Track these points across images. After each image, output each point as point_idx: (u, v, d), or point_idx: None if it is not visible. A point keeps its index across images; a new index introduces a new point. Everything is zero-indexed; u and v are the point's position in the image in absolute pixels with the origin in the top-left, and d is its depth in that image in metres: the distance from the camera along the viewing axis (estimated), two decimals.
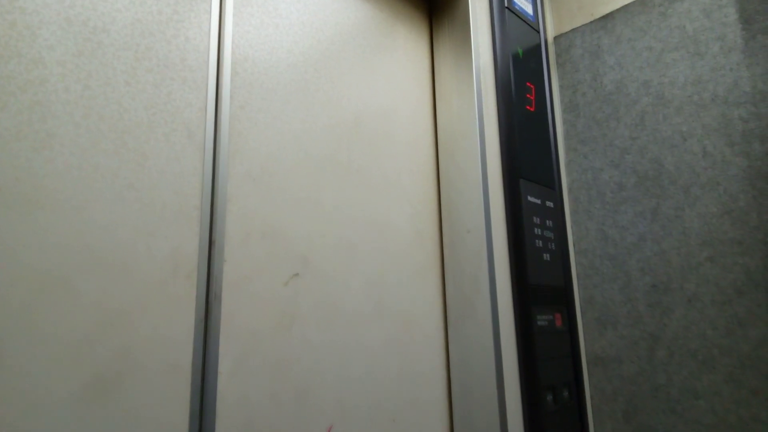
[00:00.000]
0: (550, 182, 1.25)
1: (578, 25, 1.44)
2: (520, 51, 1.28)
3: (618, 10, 1.36)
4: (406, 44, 1.19)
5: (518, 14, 1.31)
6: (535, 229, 1.15)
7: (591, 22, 1.41)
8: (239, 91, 0.83)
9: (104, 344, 0.62)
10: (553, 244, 1.19)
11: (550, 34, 1.50)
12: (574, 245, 1.35)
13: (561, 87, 1.45)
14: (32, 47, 0.62)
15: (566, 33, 1.46)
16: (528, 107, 1.25)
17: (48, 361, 0.58)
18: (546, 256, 1.16)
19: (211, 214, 0.75)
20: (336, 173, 0.96)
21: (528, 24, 1.35)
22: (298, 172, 0.89)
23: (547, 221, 1.20)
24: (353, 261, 0.95)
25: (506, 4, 1.27)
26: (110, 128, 0.67)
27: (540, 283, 1.12)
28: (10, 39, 0.61)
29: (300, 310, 0.84)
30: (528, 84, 1.28)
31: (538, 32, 1.38)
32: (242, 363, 0.75)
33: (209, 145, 0.77)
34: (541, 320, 1.09)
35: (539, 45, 1.37)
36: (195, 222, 0.73)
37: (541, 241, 1.16)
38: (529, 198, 1.16)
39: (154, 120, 0.72)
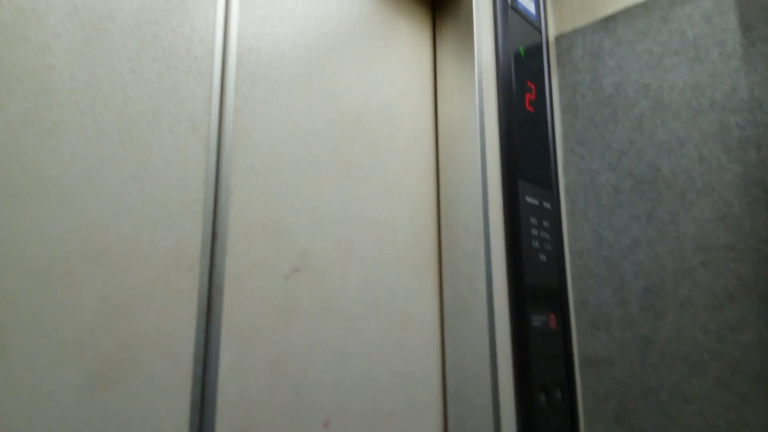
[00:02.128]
0: (547, 183, 1.26)
1: (580, 25, 1.45)
2: (521, 50, 1.28)
3: (620, 12, 1.37)
4: (407, 39, 1.18)
5: (521, 13, 1.31)
6: (532, 230, 1.16)
7: (592, 23, 1.41)
8: (244, 82, 0.83)
9: (107, 336, 0.61)
10: (549, 244, 1.20)
11: (552, 34, 1.50)
12: (569, 246, 1.36)
13: (561, 87, 1.46)
14: (39, 33, 0.61)
15: (567, 33, 1.47)
16: (528, 107, 1.26)
17: (51, 352, 0.57)
18: (542, 257, 1.17)
19: (215, 206, 0.74)
20: (337, 169, 0.95)
21: (530, 23, 1.35)
22: (300, 166, 0.89)
23: (544, 222, 1.21)
24: (352, 257, 0.95)
25: (509, 3, 1.27)
26: (115, 117, 0.67)
27: (536, 284, 1.13)
28: (18, 25, 0.60)
29: (299, 305, 0.84)
30: (529, 83, 1.28)
31: (540, 31, 1.38)
32: (243, 356, 0.75)
33: (213, 136, 0.76)
34: (536, 321, 1.10)
35: (541, 44, 1.37)
36: (198, 215, 0.72)
37: (537, 242, 1.17)
38: (527, 198, 1.17)
39: (159, 110, 0.71)
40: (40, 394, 0.56)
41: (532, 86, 1.30)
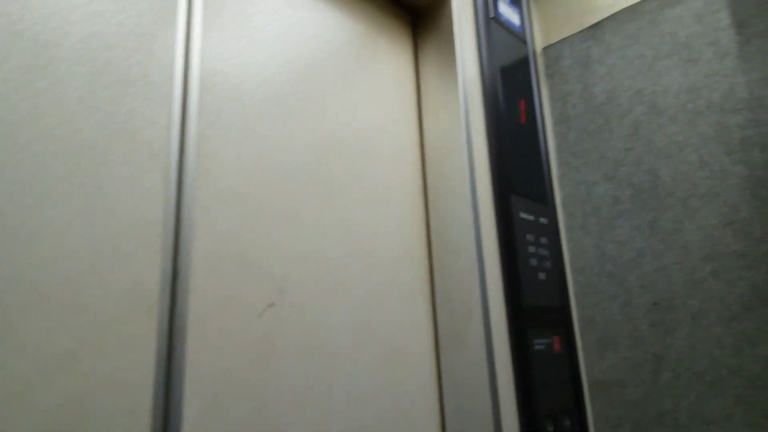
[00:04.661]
0: (542, 197, 1.20)
1: (567, 35, 1.40)
2: (507, 63, 1.23)
3: (607, 19, 1.32)
4: (388, 58, 1.14)
5: (504, 25, 1.27)
6: (529, 247, 1.09)
7: (580, 32, 1.37)
8: (209, 107, 0.78)
9: (50, 392, 0.55)
10: (548, 262, 1.14)
11: (539, 45, 1.46)
12: (570, 263, 1.29)
13: (551, 99, 1.41)
14: None
15: (554, 44, 1.43)
16: (517, 120, 1.20)
17: None
18: (541, 275, 1.10)
19: (175, 241, 0.69)
20: (315, 193, 0.90)
21: (515, 35, 1.30)
22: (274, 192, 0.83)
23: (541, 238, 1.14)
24: (335, 289, 0.88)
25: (492, 15, 1.23)
26: (61, 150, 0.61)
27: (536, 305, 1.06)
28: None
29: (277, 344, 0.77)
30: (517, 97, 1.23)
31: (526, 43, 1.34)
32: (211, 407, 0.68)
33: (174, 165, 0.71)
34: (539, 344, 1.03)
35: (527, 56, 1.33)
36: (157, 251, 0.66)
37: (535, 260, 1.10)
38: (522, 214, 1.10)
39: (112, 140, 0.66)
40: None
41: (521, 99, 1.25)
